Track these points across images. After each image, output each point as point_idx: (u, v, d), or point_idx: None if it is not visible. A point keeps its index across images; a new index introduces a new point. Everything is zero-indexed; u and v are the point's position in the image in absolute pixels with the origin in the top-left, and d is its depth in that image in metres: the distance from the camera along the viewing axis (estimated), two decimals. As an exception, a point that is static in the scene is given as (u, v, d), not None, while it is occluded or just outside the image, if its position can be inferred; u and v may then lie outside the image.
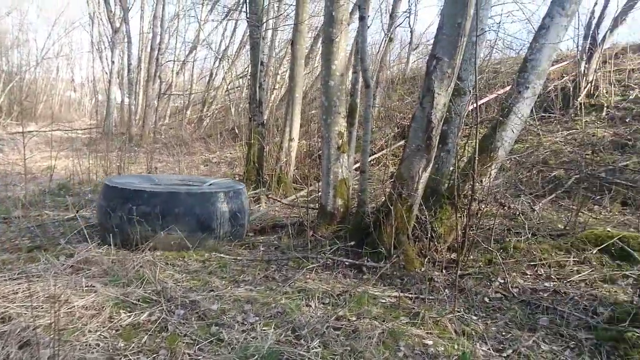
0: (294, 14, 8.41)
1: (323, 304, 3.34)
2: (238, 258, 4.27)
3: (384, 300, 3.47)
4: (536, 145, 7.84)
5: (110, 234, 4.34)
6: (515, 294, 3.71)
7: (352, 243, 4.42)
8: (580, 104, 8.65)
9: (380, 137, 9.37)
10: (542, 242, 4.64)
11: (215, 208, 4.57)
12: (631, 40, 10.77)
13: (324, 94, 5.17)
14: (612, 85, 8.84)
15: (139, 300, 3.14)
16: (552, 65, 10.15)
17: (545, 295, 3.71)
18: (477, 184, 4.39)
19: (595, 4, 9.20)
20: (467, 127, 6.65)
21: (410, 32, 14.18)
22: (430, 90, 4.00)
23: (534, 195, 6.07)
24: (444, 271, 4.18)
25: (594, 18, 9.20)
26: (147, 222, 4.31)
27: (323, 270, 4.07)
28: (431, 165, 4.22)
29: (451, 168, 4.72)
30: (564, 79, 9.55)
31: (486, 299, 3.66)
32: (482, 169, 4.56)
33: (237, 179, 8.20)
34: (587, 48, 9.20)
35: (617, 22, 9.24)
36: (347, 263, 4.17)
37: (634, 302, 3.47)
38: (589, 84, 8.91)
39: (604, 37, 9.20)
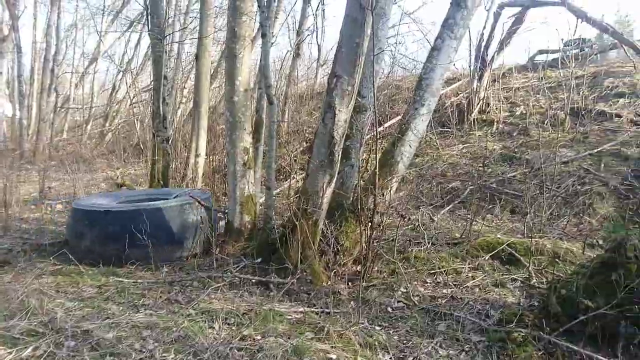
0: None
1: (227, 324, 3.27)
2: (139, 281, 4.07)
3: (290, 317, 3.46)
4: (435, 159, 8.29)
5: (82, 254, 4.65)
6: (416, 302, 3.86)
7: (259, 260, 4.39)
8: (474, 119, 9.30)
9: (289, 151, 9.44)
10: (440, 250, 4.89)
11: (183, 220, 4.86)
12: (516, 62, 11.80)
13: (228, 110, 5.12)
14: (501, 102, 9.59)
15: (22, 334, 2.88)
16: (449, 84, 10.87)
17: (444, 301, 3.90)
18: (379, 197, 4.54)
19: (484, 27, 10.00)
20: (371, 142, 6.89)
21: (318, 48, 14.51)
22: (331, 107, 4.09)
23: (434, 206, 6.40)
24: (349, 284, 4.26)
25: (483, 40, 9.98)
26: (115, 240, 4.56)
27: (229, 289, 3.99)
28: (335, 180, 4.31)
29: (355, 182, 4.85)
30: (459, 96, 10.22)
31: (389, 309, 3.78)
32: (384, 183, 4.73)
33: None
34: (478, 68, 9.95)
35: (502, 44, 10.10)
36: (253, 280, 4.13)
37: (520, 304, 3.77)
38: (481, 101, 9.61)
39: (492, 58, 10.00)
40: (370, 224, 4.35)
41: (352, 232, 4.61)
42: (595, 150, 7.16)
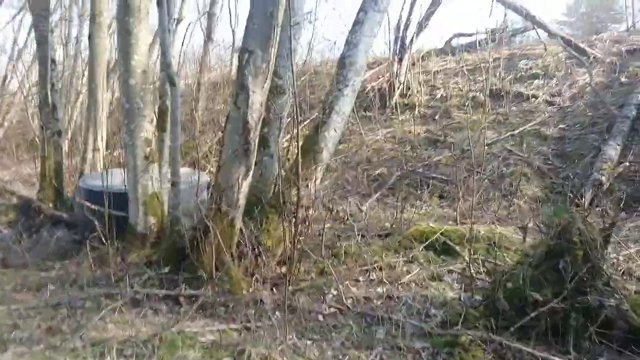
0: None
1: (124, 357, 2.64)
2: (12, 307, 3.29)
3: (203, 340, 2.89)
4: (359, 145, 7.94)
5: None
6: (350, 306, 3.43)
7: (167, 269, 3.75)
8: (396, 103, 9.05)
9: (204, 142, 8.71)
10: (371, 243, 4.51)
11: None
12: (434, 45, 11.75)
13: (124, 95, 4.38)
14: (421, 86, 9.43)
15: None
16: (370, 69, 10.60)
17: (379, 302, 3.50)
18: (303, 189, 4.06)
19: (402, 8, 9.76)
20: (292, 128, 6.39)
21: (232, 33, 13.69)
22: (244, 87, 3.52)
23: (361, 195, 6.03)
24: (274, 289, 3.75)
25: (402, 22, 9.74)
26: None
27: (130, 309, 3.33)
28: (252, 171, 3.76)
29: (275, 173, 4.32)
30: (380, 80, 9.95)
31: (320, 317, 3.32)
32: (307, 173, 4.24)
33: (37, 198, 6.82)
34: (397, 51, 9.71)
35: (421, 26, 9.92)
36: (160, 295, 3.49)
37: (461, 299, 3.45)
38: (402, 85, 9.39)
39: (412, 40, 9.80)
40: (294, 219, 3.86)
41: (274, 230, 4.09)
42: (517, 131, 7.13)
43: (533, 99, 8.20)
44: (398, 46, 9.81)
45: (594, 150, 6.13)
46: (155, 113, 4.72)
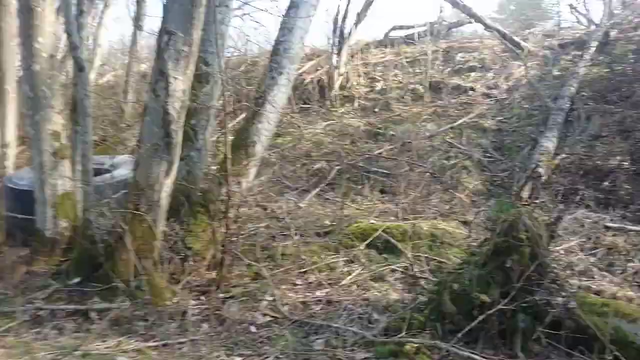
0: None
1: (11, 392, 2.21)
2: None
3: (114, 363, 2.50)
4: (298, 138, 7.63)
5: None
6: (287, 314, 3.12)
7: (77, 280, 3.29)
8: (335, 95, 8.81)
9: (132, 135, 8.11)
10: (310, 243, 4.23)
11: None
12: (373, 37, 11.60)
13: (26, 82, 3.85)
14: (361, 78, 9.24)
15: None
16: (307, 60, 10.31)
17: (318, 309, 3.23)
18: (234, 186, 3.71)
19: (340, -2, 9.52)
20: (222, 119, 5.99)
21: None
22: (163, 73, 3.13)
23: (299, 190, 5.74)
24: (203, 297, 3.39)
25: (340, 13, 9.51)
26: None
27: (30, 328, 2.87)
28: (175, 167, 3.36)
29: (204, 170, 3.95)
30: (319, 72, 9.67)
31: (253, 328, 2.99)
32: (240, 169, 3.90)
33: None
34: (337, 42, 9.48)
35: (360, 17, 9.73)
36: (67, 310, 3.04)
37: (405, 302, 3.23)
38: (341, 77, 9.16)
39: (350, 31, 9.60)
40: (224, 219, 3.51)
41: (203, 232, 3.72)
42: (456, 124, 7.07)
43: (471, 91, 8.20)
44: (337, 37, 9.59)
45: (532, 142, 6.13)
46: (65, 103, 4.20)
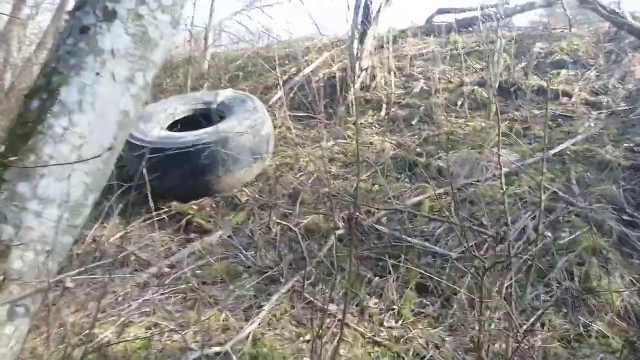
0: None
1: None
2: None
3: None
4: (290, 163, 4.80)
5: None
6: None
7: None
8: (354, 99, 5.96)
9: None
10: None
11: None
12: (410, 23, 8.69)
13: None
14: (392, 75, 6.38)
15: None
16: (317, 54, 7.55)
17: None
18: None
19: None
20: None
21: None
22: None
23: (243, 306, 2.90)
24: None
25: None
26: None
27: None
28: None
29: None
30: (333, 67, 6.82)
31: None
32: None
33: None
34: (359, 24, 6.64)
35: (393, -10, 6.85)
36: None
37: None
38: (363, 72, 6.30)
39: (379, 10, 6.73)
40: None
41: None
42: (553, 152, 4.11)
43: (565, 98, 5.22)
44: (359, 18, 6.75)
45: None
46: None
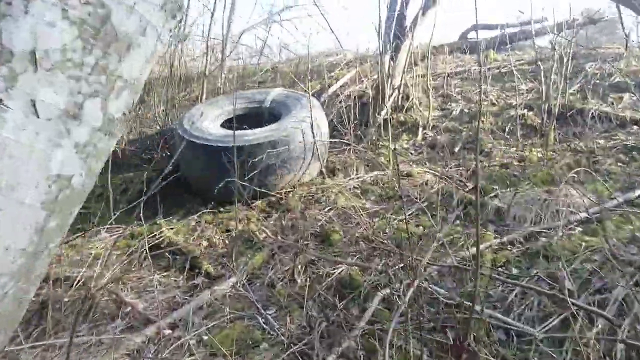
0: None
1: None
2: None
3: None
4: (314, 201, 4.14)
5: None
6: None
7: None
8: (385, 120, 5.31)
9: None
10: None
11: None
12: (443, 38, 8.06)
13: None
14: (429, 94, 5.73)
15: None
16: (344, 69, 6.94)
17: None
18: None
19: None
20: None
21: None
22: None
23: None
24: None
25: (401, -8, 6.09)
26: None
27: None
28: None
29: None
30: (362, 84, 6.20)
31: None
32: None
33: None
34: (392, 37, 6.04)
35: (430, 1, 6.25)
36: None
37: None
38: (395, 90, 5.66)
39: (415, 21, 6.13)
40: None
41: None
42: (636, 195, 3.40)
43: (635, 126, 4.52)
44: (393, 31, 6.16)
45: None
46: None
